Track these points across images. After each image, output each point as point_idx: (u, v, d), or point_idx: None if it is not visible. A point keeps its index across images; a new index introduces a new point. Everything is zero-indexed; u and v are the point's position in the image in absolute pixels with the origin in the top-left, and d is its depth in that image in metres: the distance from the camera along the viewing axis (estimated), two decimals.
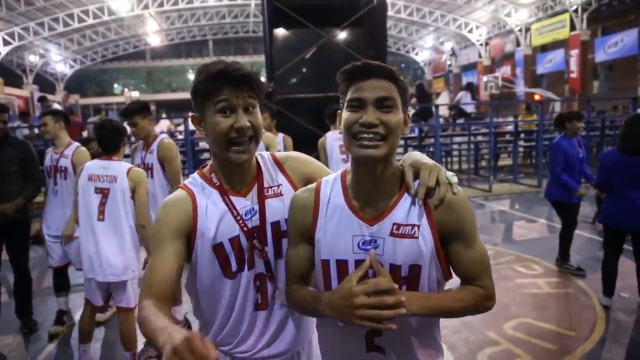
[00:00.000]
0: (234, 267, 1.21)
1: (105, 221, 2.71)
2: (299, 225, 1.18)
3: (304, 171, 1.31)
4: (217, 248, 1.20)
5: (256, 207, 1.24)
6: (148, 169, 3.20)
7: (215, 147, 1.18)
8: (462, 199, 1.11)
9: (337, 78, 1.12)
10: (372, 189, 1.11)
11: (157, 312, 1.02)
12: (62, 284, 3.72)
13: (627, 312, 3.56)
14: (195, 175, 1.27)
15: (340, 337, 1.18)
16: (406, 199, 1.11)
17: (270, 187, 1.26)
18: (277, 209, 1.25)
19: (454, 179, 1.10)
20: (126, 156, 3.86)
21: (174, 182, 3.16)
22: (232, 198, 1.22)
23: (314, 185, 1.20)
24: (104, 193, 2.71)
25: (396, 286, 1.03)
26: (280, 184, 1.28)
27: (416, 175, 1.11)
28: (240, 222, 1.21)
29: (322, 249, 1.14)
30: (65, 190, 3.48)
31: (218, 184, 1.23)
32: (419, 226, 1.09)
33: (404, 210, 1.10)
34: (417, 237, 1.08)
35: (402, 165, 1.15)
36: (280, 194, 1.26)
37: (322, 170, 1.33)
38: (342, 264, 1.13)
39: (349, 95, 1.08)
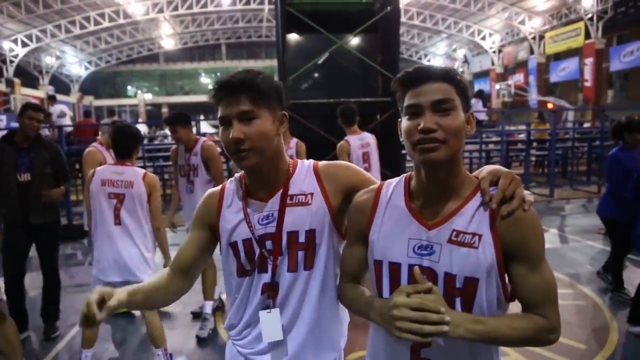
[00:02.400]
0: (246, 266, 1.26)
1: (122, 225, 2.78)
2: (356, 224, 1.18)
3: (344, 182, 1.25)
4: (233, 246, 1.26)
5: (275, 213, 1.22)
6: (194, 169, 3.54)
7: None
8: (532, 218, 1.03)
9: (392, 85, 1.10)
10: (434, 193, 1.07)
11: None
12: None
13: None
14: (238, 175, 1.33)
15: (387, 343, 1.14)
16: (471, 207, 1.05)
17: (297, 195, 1.23)
18: (298, 218, 1.21)
19: (529, 197, 1.04)
20: (138, 158, 4.02)
21: (219, 178, 3.49)
22: (250, 202, 1.25)
23: (376, 186, 1.19)
24: (119, 198, 2.76)
25: (443, 309, 0.96)
26: (311, 193, 1.23)
27: (494, 183, 1.06)
28: (250, 227, 1.23)
29: (376, 250, 1.12)
30: None
31: (244, 187, 1.28)
32: (480, 236, 1.02)
33: (467, 217, 1.04)
34: (476, 247, 1.02)
35: (476, 177, 1.11)
36: (308, 203, 1.22)
37: (368, 182, 1.26)
38: (394, 267, 1.09)
39: (405, 103, 1.05)
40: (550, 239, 6.29)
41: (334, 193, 1.24)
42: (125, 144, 2.82)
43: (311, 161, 1.31)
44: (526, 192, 1.05)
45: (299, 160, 1.29)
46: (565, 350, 3.14)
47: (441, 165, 1.03)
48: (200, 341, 3.44)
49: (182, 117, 3.57)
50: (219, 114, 1.17)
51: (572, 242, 6.02)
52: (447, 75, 1.04)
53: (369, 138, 4.34)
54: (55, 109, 10.47)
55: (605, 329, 3.45)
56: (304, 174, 1.26)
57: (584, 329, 3.50)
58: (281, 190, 1.23)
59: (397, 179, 1.18)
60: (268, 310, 1.23)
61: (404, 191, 1.13)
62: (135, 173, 2.80)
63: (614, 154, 3.94)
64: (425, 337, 0.95)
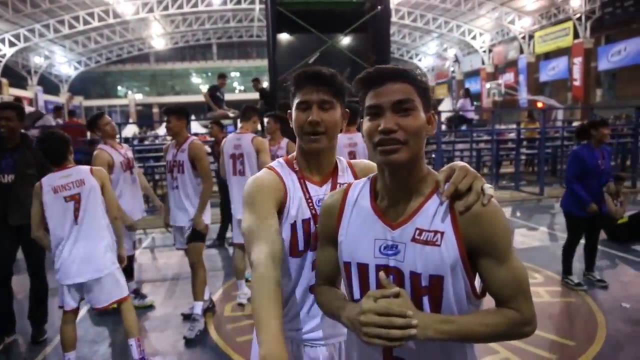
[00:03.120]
0: (300, 246, 1.33)
1: (81, 224, 2.79)
2: (325, 226, 1.20)
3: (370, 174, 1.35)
4: (293, 225, 1.33)
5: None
6: (179, 165, 3.54)
7: (297, 136, 1.35)
8: (494, 212, 1.01)
9: (353, 86, 1.11)
10: (397, 193, 1.08)
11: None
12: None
13: (628, 322, 3.54)
14: (281, 160, 1.42)
15: (360, 344, 1.12)
16: (432, 204, 1.05)
17: (343, 185, 1.31)
18: None
19: (489, 191, 1.03)
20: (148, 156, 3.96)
21: (205, 176, 3.54)
22: (308, 184, 1.36)
23: (344, 187, 1.21)
24: (75, 199, 2.78)
25: (410, 312, 0.96)
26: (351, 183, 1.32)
27: (450, 177, 1.05)
28: (312, 207, 1.33)
29: (344, 251, 1.13)
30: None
31: (297, 169, 1.37)
32: (442, 233, 1.02)
33: (428, 215, 1.04)
34: (439, 245, 1.02)
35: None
36: None
37: None
38: (363, 268, 1.10)
39: (366, 103, 1.07)
40: (540, 237, 6.34)
41: None
42: (57, 151, 2.83)
43: (345, 161, 1.45)
44: (487, 186, 1.04)
45: (337, 157, 1.43)
46: (553, 346, 3.17)
47: (402, 166, 1.04)
48: (189, 342, 3.41)
49: (179, 109, 3.63)
50: (299, 98, 1.31)
51: (562, 240, 6.03)
52: (408, 76, 1.05)
53: (358, 138, 4.34)
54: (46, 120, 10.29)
55: (593, 325, 3.49)
56: (344, 166, 1.42)
57: (573, 325, 3.53)
58: (331, 179, 1.38)
59: (364, 179, 1.20)
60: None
61: (370, 191, 1.14)
62: (80, 170, 2.85)
63: (575, 150, 4.27)
64: (392, 341, 0.95)
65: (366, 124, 1.06)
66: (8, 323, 3.52)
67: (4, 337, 3.48)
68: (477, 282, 1.07)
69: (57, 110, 10.35)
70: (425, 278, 1.02)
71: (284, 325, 1.26)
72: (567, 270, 4.38)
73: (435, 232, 1.03)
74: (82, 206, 2.78)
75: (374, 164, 1.34)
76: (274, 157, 4.88)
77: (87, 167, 2.90)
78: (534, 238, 6.27)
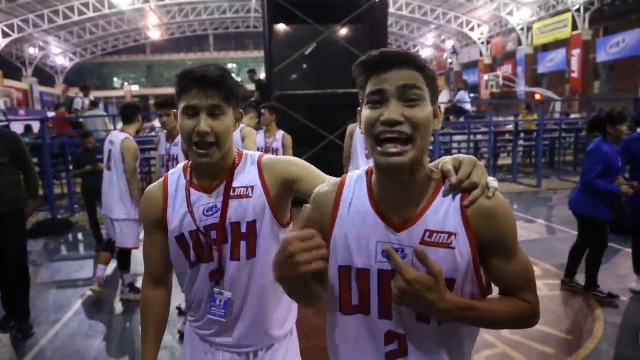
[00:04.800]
0: (192, 258, 1.30)
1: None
2: (317, 223, 1.02)
3: (285, 176, 1.29)
4: (180, 239, 1.29)
5: (219, 205, 1.27)
6: (174, 159, 3.50)
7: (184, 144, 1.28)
8: (505, 207, 0.96)
9: (353, 71, 0.97)
10: (399, 195, 0.96)
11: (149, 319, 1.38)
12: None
13: (626, 316, 3.53)
14: (181, 166, 1.36)
15: (356, 356, 1.05)
16: (440, 203, 0.96)
17: (239, 188, 1.28)
18: (239, 210, 1.27)
19: (494, 184, 0.97)
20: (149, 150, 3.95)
21: None
22: (194, 194, 1.29)
23: (338, 180, 1.07)
24: None
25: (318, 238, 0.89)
26: (252, 186, 1.29)
27: (457, 169, 0.98)
28: (195, 219, 1.27)
29: (341, 255, 1.00)
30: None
31: (188, 178, 1.31)
32: (455, 234, 0.94)
33: (439, 215, 0.95)
34: (453, 248, 0.93)
35: (436, 168, 1.02)
36: (248, 196, 1.27)
37: (311, 175, 1.28)
38: (363, 274, 0.98)
39: (367, 89, 0.93)
40: (538, 229, 6.33)
41: (272, 187, 1.29)
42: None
43: (257, 154, 1.36)
44: (491, 179, 0.99)
45: (246, 153, 1.35)
46: (551, 340, 3.16)
47: (406, 169, 0.92)
48: (184, 337, 3.38)
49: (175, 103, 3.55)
50: (185, 103, 1.20)
51: (560, 232, 6.06)
52: (416, 62, 0.92)
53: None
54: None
55: (591, 319, 3.48)
56: (248, 166, 1.32)
57: (571, 319, 3.52)
58: (225, 183, 1.29)
59: (358, 173, 1.06)
60: (219, 291, 1.31)
61: (367, 189, 1.02)
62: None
63: (598, 146, 3.72)
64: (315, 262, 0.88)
65: (366, 112, 0.93)
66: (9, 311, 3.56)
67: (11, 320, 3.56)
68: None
69: (85, 89, 10.82)
70: None
71: (195, 325, 1.41)
72: (572, 273, 4.03)
73: (449, 233, 0.94)
74: None
75: (287, 157, 1.36)
76: (269, 150, 4.83)
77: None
78: (532, 231, 6.26)
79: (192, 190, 1.29)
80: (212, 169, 1.28)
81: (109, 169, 3.99)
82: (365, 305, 1.00)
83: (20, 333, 3.48)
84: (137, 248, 4.01)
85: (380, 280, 0.98)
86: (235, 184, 1.28)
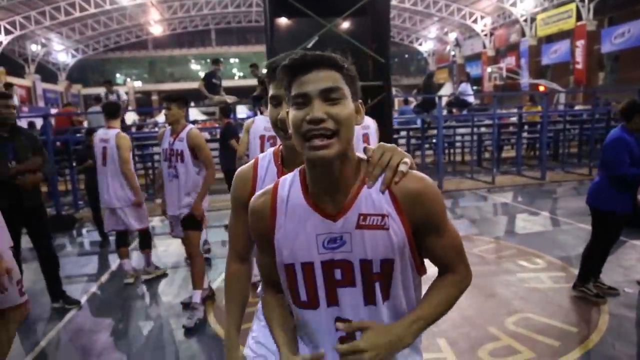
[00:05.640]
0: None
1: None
2: (257, 231, 1.12)
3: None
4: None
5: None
6: (177, 154, 3.51)
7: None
8: (430, 188, 1.03)
9: (277, 73, 1.04)
10: (331, 185, 1.03)
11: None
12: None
13: (631, 308, 3.51)
14: (271, 150, 1.39)
15: (314, 341, 1.13)
16: (371, 190, 1.04)
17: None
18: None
19: (402, 167, 1.03)
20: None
21: (209, 164, 3.55)
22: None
23: (271, 186, 1.12)
24: None
25: None
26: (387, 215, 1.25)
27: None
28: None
29: (284, 253, 1.07)
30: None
31: (279, 162, 1.34)
32: (388, 216, 1.01)
33: (370, 198, 1.02)
34: (387, 228, 1.01)
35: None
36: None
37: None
38: (308, 267, 1.05)
39: (292, 92, 1.00)
40: (542, 221, 6.31)
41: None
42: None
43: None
44: (406, 159, 1.05)
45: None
46: (556, 332, 3.15)
47: (333, 161, 0.98)
48: (188, 331, 3.40)
49: (180, 97, 3.62)
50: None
51: (564, 224, 6.04)
52: (334, 63, 0.99)
53: (369, 121, 4.28)
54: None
55: (596, 311, 3.46)
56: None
57: (576, 312, 3.51)
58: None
59: (291, 174, 1.12)
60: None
61: (301, 186, 1.08)
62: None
63: (619, 135, 3.43)
64: None
65: (292, 113, 0.99)
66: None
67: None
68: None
69: (107, 83, 11.04)
70: (376, 264, 1.02)
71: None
72: (587, 278, 3.71)
73: (382, 215, 1.02)
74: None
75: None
76: (274, 144, 4.82)
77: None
78: (536, 223, 6.23)
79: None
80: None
81: (104, 164, 4.23)
82: (312, 299, 1.07)
83: (69, 304, 3.90)
84: (147, 227, 4.50)
85: (324, 271, 1.05)
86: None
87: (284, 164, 1.32)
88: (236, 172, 1.36)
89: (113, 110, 4.32)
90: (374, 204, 1.02)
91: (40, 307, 3.81)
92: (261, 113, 5.61)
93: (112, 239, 5.43)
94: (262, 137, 4.26)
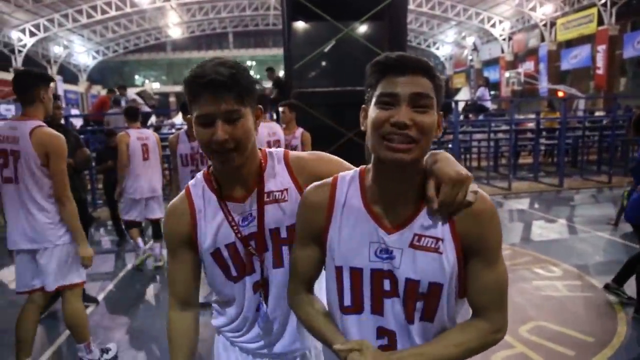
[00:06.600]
0: (233, 272, 1.22)
1: None
2: (311, 225, 1.09)
3: (316, 173, 1.19)
4: (215, 254, 1.20)
5: (254, 213, 1.19)
6: (203, 156, 3.57)
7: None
8: (491, 211, 0.99)
9: (367, 68, 1.00)
10: (395, 194, 1.01)
11: None
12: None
13: None
14: (200, 176, 1.24)
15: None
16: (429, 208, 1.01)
17: (272, 192, 1.19)
18: (277, 215, 1.19)
19: (470, 197, 0.99)
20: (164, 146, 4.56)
21: None
22: (229, 204, 1.19)
23: (329, 180, 1.09)
24: None
25: None
26: (286, 189, 1.20)
27: (438, 187, 0.99)
28: (235, 229, 1.18)
29: (336, 255, 1.05)
30: None
31: (216, 187, 1.20)
32: (442, 240, 0.98)
33: (428, 220, 1.00)
34: (441, 253, 0.98)
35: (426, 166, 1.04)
36: (284, 200, 1.19)
37: (343, 170, 1.21)
38: (356, 273, 1.04)
39: (379, 90, 0.96)
40: (559, 229, 6.22)
41: (305, 185, 1.18)
42: None
43: (281, 151, 1.26)
44: (472, 186, 1.00)
45: (269, 151, 1.25)
46: (572, 342, 3.11)
47: (407, 167, 0.96)
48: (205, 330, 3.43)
49: None
50: (198, 111, 1.08)
51: (581, 232, 5.95)
52: (430, 70, 0.96)
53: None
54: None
55: (613, 321, 3.41)
56: (276, 167, 1.22)
57: (592, 321, 3.46)
58: (257, 189, 1.19)
59: (350, 173, 1.10)
60: (265, 310, 1.23)
61: (360, 189, 1.05)
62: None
63: None
64: None
65: (375, 111, 0.96)
66: None
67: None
68: None
69: (121, 88, 11.30)
70: (423, 286, 1.00)
71: (238, 338, 1.31)
72: (624, 280, 3.72)
73: (436, 238, 0.99)
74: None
75: (313, 153, 1.26)
76: (288, 147, 4.86)
77: None
78: (552, 230, 6.15)
79: (227, 201, 1.19)
80: (239, 175, 1.17)
81: (146, 159, 4.76)
82: (357, 304, 1.05)
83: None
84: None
85: (372, 279, 1.03)
86: (268, 188, 1.19)
87: (222, 190, 1.20)
88: (168, 208, 1.26)
89: (135, 113, 4.91)
90: (432, 225, 0.99)
91: (59, 303, 3.89)
92: (277, 117, 5.65)
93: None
94: (268, 143, 4.31)
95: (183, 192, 1.25)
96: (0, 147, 2.54)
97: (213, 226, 1.18)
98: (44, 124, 2.59)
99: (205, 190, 1.21)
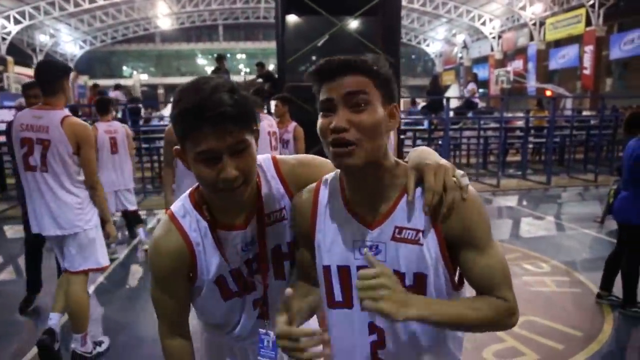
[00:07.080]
0: (234, 289, 1.18)
1: None
2: (300, 228, 1.13)
3: (308, 182, 1.15)
4: (218, 281, 1.16)
5: (255, 237, 1.15)
6: None
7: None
8: (472, 201, 0.97)
9: (305, 79, 1.00)
10: (367, 193, 1.01)
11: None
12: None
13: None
14: (188, 205, 1.13)
15: (347, 344, 1.10)
16: (406, 199, 1.00)
17: (272, 213, 1.16)
18: (278, 234, 1.17)
19: (465, 180, 0.97)
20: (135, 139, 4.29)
21: None
22: (232, 233, 1.13)
23: (314, 185, 1.11)
24: None
25: (313, 332, 0.96)
26: (284, 207, 1.17)
27: (420, 179, 0.98)
28: (234, 260, 1.15)
29: (323, 255, 1.07)
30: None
31: (209, 218, 1.11)
32: (423, 231, 0.98)
33: (406, 212, 0.99)
34: (421, 244, 0.98)
35: (407, 161, 1.05)
36: (283, 218, 1.17)
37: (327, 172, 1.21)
38: (344, 270, 1.05)
39: (320, 98, 0.96)
40: (547, 226, 6.32)
41: None
42: None
43: (269, 161, 1.18)
44: (458, 172, 0.98)
45: (258, 164, 1.12)
46: (561, 337, 3.17)
47: (360, 170, 0.95)
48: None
49: None
50: (198, 147, 0.96)
51: (569, 229, 6.05)
52: (361, 66, 0.93)
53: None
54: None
55: (600, 316, 3.48)
56: (271, 183, 1.16)
57: (580, 316, 3.52)
58: (256, 215, 1.13)
59: (332, 175, 1.10)
60: (265, 332, 1.17)
61: (341, 190, 1.06)
62: None
63: None
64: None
65: (319, 121, 0.96)
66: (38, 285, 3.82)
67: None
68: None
69: (119, 87, 11.51)
70: (409, 277, 1.00)
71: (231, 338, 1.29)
72: (632, 298, 3.51)
73: (416, 230, 0.98)
74: None
75: (303, 161, 1.21)
76: (281, 141, 4.84)
77: None
78: (541, 227, 6.24)
79: (222, 232, 1.12)
80: (240, 201, 1.06)
81: (114, 152, 4.81)
82: (348, 300, 1.06)
83: None
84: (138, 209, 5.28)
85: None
86: (267, 209, 1.15)
87: (217, 219, 1.12)
88: (156, 243, 1.12)
89: (102, 106, 5.00)
90: (411, 217, 0.99)
91: (49, 295, 3.84)
92: (268, 110, 5.63)
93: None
94: (268, 134, 4.32)
95: (171, 225, 1.11)
96: (24, 136, 2.59)
97: (216, 258, 1.12)
98: (70, 114, 2.69)
99: (199, 221, 1.11)
